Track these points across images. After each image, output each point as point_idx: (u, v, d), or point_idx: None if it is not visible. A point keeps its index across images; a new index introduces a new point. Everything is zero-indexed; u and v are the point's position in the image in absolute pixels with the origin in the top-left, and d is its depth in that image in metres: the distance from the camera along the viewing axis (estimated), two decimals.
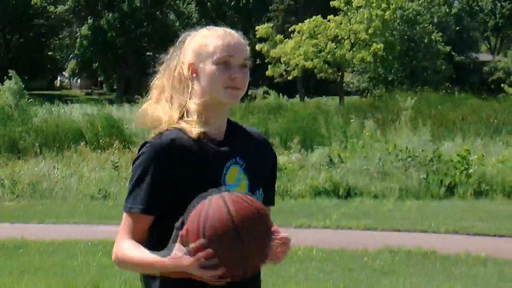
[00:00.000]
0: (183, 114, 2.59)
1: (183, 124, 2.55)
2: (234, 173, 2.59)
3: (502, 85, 37.28)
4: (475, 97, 32.05)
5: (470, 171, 14.05)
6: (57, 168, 16.39)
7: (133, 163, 2.59)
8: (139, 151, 2.57)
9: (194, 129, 2.53)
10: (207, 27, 2.68)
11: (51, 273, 8.44)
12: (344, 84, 55.14)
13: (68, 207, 13.77)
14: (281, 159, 15.14)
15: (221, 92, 2.55)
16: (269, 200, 2.76)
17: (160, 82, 2.71)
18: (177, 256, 2.31)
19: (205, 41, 2.60)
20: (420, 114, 23.05)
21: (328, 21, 49.75)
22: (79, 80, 76.79)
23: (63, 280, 7.98)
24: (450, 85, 53.26)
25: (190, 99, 2.60)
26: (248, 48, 2.65)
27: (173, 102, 2.62)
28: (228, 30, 2.65)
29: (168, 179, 2.49)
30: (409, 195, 13.95)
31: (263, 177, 2.71)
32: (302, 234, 10.59)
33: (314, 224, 11.32)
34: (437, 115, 23.58)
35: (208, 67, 2.56)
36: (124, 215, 2.55)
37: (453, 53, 60.94)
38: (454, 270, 8.33)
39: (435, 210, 12.59)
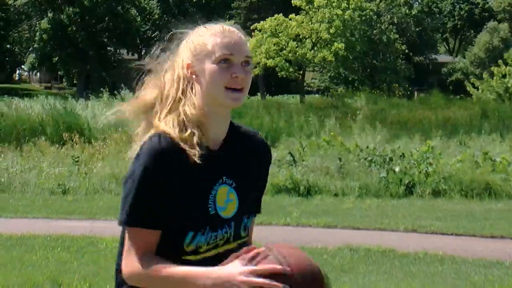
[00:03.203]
0: (182, 122, 2.41)
1: (181, 135, 2.37)
2: (223, 194, 2.45)
3: (465, 82, 37.75)
4: (434, 98, 32.42)
5: (430, 169, 14.22)
6: (16, 162, 16.21)
7: (133, 165, 2.38)
8: (137, 154, 2.37)
9: (191, 148, 2.36)
10: (204, 25, 2.51)
11: (9, 268, 8.35)
12: (305, 83, 55.38)
13: (26, 202, 13.63)
14: None
15: (222, 94, 2.37)
16: (257, 208, 2.64)
17: (158, 82, 2.50)
18: (232, 266, 2.22)
19: (203, 39, 2.43)
20: (379, 114, 23.26)
21: (290, 19, 49.93)
22: (38, 74, 76.04)
23: (22, 275, 7.90)
24: (408, 86, 53.87)
25: (186, 104, 2.42)
26: (248, 44, 2.48)
27: (171, 108, 2.44)
28: (227, 26, 2.47)
29: (163, 191, 2.34)
30: (369, 194, 14.07)
31: (254, 197, 2.58)
32: (263, 231, 10.59)
33: (275, 222, 11.36)
34: (395, 115, 23.82)
35: (208, 66, 2.39)
36: (128, 229, 2.37)
37: (411, 54, 61.53)
38: (412, 268, 8.42)
39: (394, 208, 12.71)
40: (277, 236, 10.26)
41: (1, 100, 28.27)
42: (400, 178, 14.19)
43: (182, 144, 2.36)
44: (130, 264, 2.35)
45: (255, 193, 2.59)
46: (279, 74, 50.71)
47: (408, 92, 50.82)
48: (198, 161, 2.35)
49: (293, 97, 53.27)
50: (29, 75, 79.68)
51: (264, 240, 9.82)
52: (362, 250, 9.28)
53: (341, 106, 26.54)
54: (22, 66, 76.28)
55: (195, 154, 2.35)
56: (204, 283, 2.23)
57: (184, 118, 2.40)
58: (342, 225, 11.23)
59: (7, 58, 71.05)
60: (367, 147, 15.61)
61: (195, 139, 2.38)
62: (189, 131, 2.38)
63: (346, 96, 32.58)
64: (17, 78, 77.94)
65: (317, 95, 54.58)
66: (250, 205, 2.55)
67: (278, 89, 61.66)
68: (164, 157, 2.34)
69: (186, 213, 2.36)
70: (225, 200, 2.44)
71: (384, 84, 47.94)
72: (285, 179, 14.40)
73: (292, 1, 51.08)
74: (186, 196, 2.36)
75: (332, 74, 55.41)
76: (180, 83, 2.45)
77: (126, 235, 2.38)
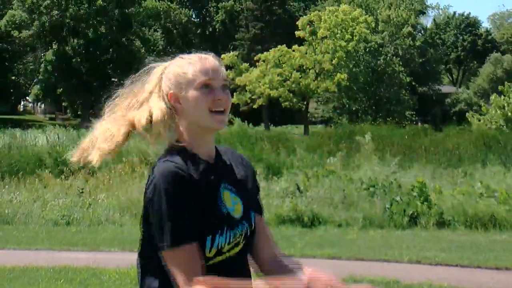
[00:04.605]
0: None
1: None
2: (228, 197, 2.61)
3: (467, 114, 37.77)
4: (438, 128, 32.40)
5: (431, 201, 14.18)
6: (20, 194, 16.20)
7: (150, 192, 2.48)
8: (149, 178, 2.51)
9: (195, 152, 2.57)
10: (180, 55, 2.68)
11: None
12: (308, 114, 55.50)
13: (30, 233, 13.60)
14: None
15: (207, 117, 2.55)
16: (260, 209, 2.78)
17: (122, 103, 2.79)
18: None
19: (182, 69, 2.60)
20: (383, 145, 23.22)
21: (293, 51, 50.19)
22: (43, 105, 76.28)
23: None
24: (414, 115, 53.95)
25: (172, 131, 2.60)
26: (224, 69, 2.64)
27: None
28: (202, 55, 2.65)
29: (188, 205, 2.46)
30: (372, 225, 14.02)
31: (254, 194, 2.75)
32: None
33: None
34: (400, 145, 23.77)
35: (191, 93, 2.56)
36: (172, 254, 2.44)
37: (415, 85, 61.68)
38: None
39: (398, 239, 12.65)
40: None
41: (5, 131, 28.27)
42: (404, 209, 14.15)
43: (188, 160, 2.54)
44: (195, 283, 2.38)
45: (253, 195, 2.75)
46: (283, 105, 50.86)
47: (414, 122, 50.90)
48: (201, 172, 2.54)
49: (297, 127, 53.38)
50: (34, 106, 79.94)
51: None
52: (366, 281, 9.22)
53: (346, 136, 26.48)
54: (27, 97, 76.56)
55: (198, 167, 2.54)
56: None
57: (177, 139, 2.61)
58: (346, 256, 11.18)
59: (11, 90, 71.35)
60: (369, 178, 15.59)
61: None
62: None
63: (354, 132, 32.61)
64: (21, 109, 78.21)
65: (320, 125, 54.64)
66: (252, 205, 2.72)
67: (282, 119, 61.78)
68: (178, 175, 2.46)
69: (204, 217, 2.48)
70: (231, 202, 2.61)
71: (390, 116, 47.94)
72: (289, 209, 14.37)
73: (295, 32, 51.38)
74: (200, 202, 2.49)
75: (335, 105, 55.53)
76: (165, 113, 2.60)
77: (174, 261, 2.43)
